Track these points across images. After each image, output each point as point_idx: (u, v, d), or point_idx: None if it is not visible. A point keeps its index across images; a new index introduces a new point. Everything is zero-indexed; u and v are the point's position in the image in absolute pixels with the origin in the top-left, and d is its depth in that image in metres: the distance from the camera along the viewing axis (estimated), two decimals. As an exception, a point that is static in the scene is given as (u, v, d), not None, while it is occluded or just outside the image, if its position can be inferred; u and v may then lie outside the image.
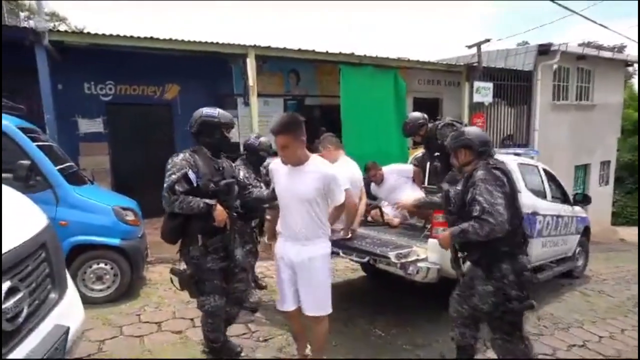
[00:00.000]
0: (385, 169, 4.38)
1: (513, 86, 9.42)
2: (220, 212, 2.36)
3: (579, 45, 11.32)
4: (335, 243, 3.27)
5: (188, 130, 2.50)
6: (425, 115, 3.91)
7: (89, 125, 6.51)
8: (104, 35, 5.14)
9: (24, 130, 3.59)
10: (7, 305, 1.19)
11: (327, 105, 8.34)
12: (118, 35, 5.20)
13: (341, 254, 3.34)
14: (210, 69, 6.99)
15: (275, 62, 7.53)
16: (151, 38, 5.44)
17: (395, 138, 7.08)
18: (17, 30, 4.99)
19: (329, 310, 2.42)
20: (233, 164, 2.73)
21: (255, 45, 6.14)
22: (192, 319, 3.36)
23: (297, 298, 2.42)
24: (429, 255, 3.08)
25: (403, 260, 2.95)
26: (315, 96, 8.59)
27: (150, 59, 6.22)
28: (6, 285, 1.21)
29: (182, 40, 5.66)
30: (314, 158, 2.39)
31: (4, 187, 1.81)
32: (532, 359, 2.36)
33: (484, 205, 2.14)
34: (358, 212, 3.30)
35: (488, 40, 8.51)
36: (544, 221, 4.20)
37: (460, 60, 9.79)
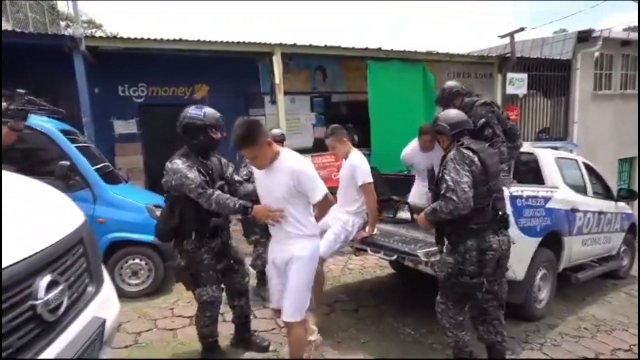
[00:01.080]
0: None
1: (549, 76, 8.99)
2: (260, 210, 2.24)
3: (624, 30, 10.63)
4: (363, 240, 3.30)
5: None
6: (464, 86, 3.69)
7: (123, 127, 6.78)
8: (135, 39, 5.33)
9: (63, 132, 3.78)
10: (48, 297, 1.24)
11: (354, 102, 8.27)
12: (149, 39, 5.37)
13: (369, 251, 3.31)
14: (237, 69, 7.10)
15: (301, 59, 7.55)
16: (180, 40, 5.59)
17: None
18: (56, 37, 5.24)
19: (299, 318, 2.24)
20: (223, 161, 2.68)
21: (281, 44, 6.18)
22: (222, 314, 3.42)
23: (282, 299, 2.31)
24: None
25: (432, 259, 2.88)
26: (342, 92, 8.54)
27: (180, 61, 6.40)
28: (47, 278, 1.27)
29: (210, 41, 5.77)
30: (284, 153, 2.21)
31: (45, 185, 1.91)
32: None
33: (449, 184, 2.23)
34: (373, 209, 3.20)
35: (522, 29, 8.13)
36: (584, 218, 3.98)
37: (492, 51, 9.44)
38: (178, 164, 2.37)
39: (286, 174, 2.13)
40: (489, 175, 2.31)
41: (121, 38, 5.44)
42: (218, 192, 2.37)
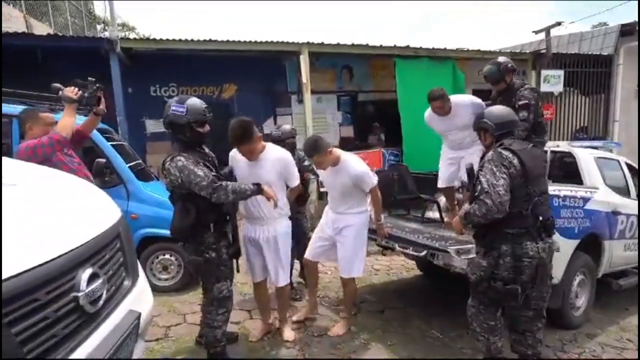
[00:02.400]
0: (457, 99, 3.44)
1: (588, 73, 8.57)
2: (269, 191, 2.46)
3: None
4: (391, 237, 3.26)
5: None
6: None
7: (155, 126, 6.98)
8: (167, 40, 5.48)
9: (100, 130, 3.92)
10: (89, 289, 1.28)
11: (381, 101, 8.20)
12: (179, 40, 5.51)
13: (397, 247, 3.26)
14: (265, 68, 7.18)
15: (328, 58, 7.55)
16: (210, 40, 5.70)
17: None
18: (94, 40, 5.46)
19: (283, 283, 2.86)
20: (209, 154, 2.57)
21: (308, 42, 6.19)
22: (249, 311, 3.47)
23: (264, 272, 2.82)
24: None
25: (464, 257, 2.79)
26: (369, 92, 8.49)
27: (209, 61, 6.53)
28: (88, 271, 1.31)
29: (238, 41, 5.86)
30: (269, 147, 2.67)
31: (86, 182, 1.99)
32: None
33: (484, 186, 2.15)
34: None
35: (559, 24, 7.79)
36: (626, 221, 3.77)
37: (525, 47, 9.11)
38: (182, 161, 2.26)
39: (275, 162, 2.61)
40: (529, 179, 2.20)
41: (154, 39, 5.62)
42: (230, 182, 2.37)
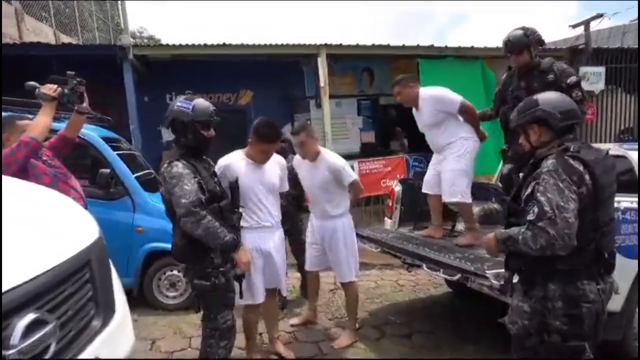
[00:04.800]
0: (423, 91, 3.08)
1: (633, 69, 7.87)
2: (244, 253, 2.23)
3: None
4: (417, 255, 2.92)
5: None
6: None
7: (170, 134, 6.82)
8: (180, 45, 5.33)
9: (107, 139, 3.75)
10: (26, 343, 1.00)
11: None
12: (193, 45, 5.35)
13: (425, 268, 2.89)
14: (282, 73, 6.95)
15: (347, 61, 7.26)
16: (224, 45, 5.52)
17: (491, 137, 6.29)
18: (106, 48, 5.38)
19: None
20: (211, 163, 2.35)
21: (326, 44, 5.91)
22: (260, 334, 3.16)
23: (265, 287, 2.62)
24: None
25: (505, 282, 2.39)
26: (390, 95, 8.05)
27: (225, 67, 6.36)
28: (28, 318, 1.03)
29: (253, 45, 5.66)
30: None
31: (58, 196, 1.73)
32: None
33: (546, 209, 1.56)
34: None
35: (600, 16, 7.16)
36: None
37: (561, 43, 8.50)
38: (179, 167, 2.00)
39: (276, 165, 2.62)
40: (599, 201, 1.62)
41: (167, 45, 5.49)
42: (209, 217, 2.00)
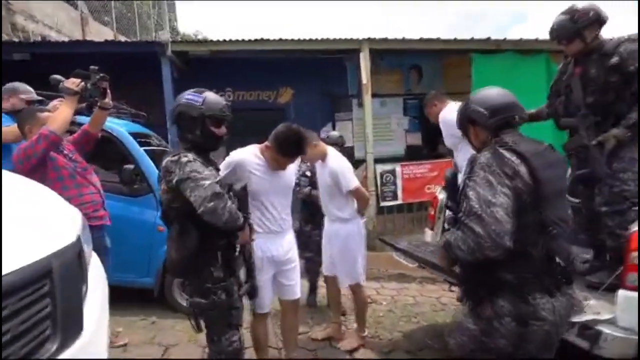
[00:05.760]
0: (443, 112, 3.15)
1: None
2: (246, 232, 1.99)
3: None
4: (443, 271, 2.46)
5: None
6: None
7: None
8: (218, 41, 5.24)
9: (136, 135, 3.69)
10: None
11: (455, 104, 7.21)
12: (231, 40, 5.23)
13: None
14: (324, 70, 6.67)
15: (394, 57, 6.82)
16: (263, 40, 5.34)
17: (551, 138, 5.59)
18: (145, 44, 5.41)
19: None
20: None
21: (369, 39, 5.54)
22: (279, 349, 2.89)
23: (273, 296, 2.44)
24: (618, 316, 1.96)
25: (574, 320, 1.91)
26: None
27: (265, 64, 6.20)
28: None
29: (292, 40, 5.43)
30: None
31: (38, 188, 1.56)
32: None
33: (473, 205, 1.40)
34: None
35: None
36: None
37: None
38: (189, 157, 1.80)
39: (293, 168, 2.43)
40: (544, 198, 1.42)
41: (206, 41, 5.43)
42: (229, 204, 1.81)
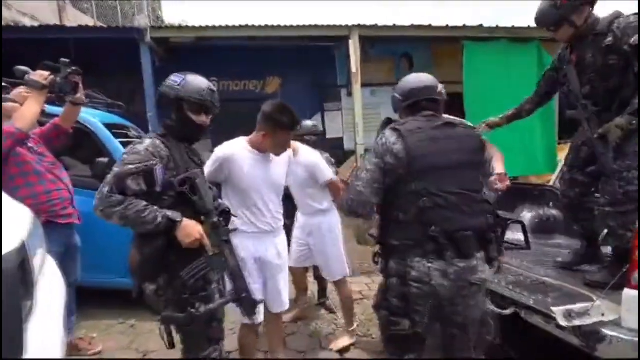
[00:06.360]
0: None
1: None
2: (188, 228, 1.58)
3: None
4: None
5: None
6: None
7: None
8: (201, 27, 4.98)
9: (111, 126, 3.46)
10: None
11: (447, 94, 7.07)
12: (214, 26, 4.98)
13: None
14: (312, 59, 6.46)
15: (384, 45, 6.62)
16: (246, 26, 5.10)
17: (541, 131, 5.49)
18: (123, 30, 5.13)
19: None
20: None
21: (359, 25, 5.33)
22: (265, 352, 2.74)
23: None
24: (624, 317, 1.84)
25: (578, 323, 1.79)
26: (431, 83, 7.38)
27: (251, 53, 5.97)
28: None
29: (281, 26, 5.19)
30: None
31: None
32: None
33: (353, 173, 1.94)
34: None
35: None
36: None
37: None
38: (143, 145, 1.60)
39: (285, 159, 2.23)
40: (418, 171, 1.56)
41: (187, 27, 5.14)
42: (131, 199, 1.53)
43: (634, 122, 1.97)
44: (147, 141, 1.63)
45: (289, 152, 2.30)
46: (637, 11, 2.02)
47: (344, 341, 2.86)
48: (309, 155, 2.67)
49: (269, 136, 2.03)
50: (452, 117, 1.84)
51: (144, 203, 1.53)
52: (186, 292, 1.61)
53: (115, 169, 1.55)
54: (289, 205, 3.53)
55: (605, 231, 2.39)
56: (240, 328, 2.23)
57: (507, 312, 2.00)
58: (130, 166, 1.53)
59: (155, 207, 1.55)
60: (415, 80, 1.77)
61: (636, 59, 1.93)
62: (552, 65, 2.44)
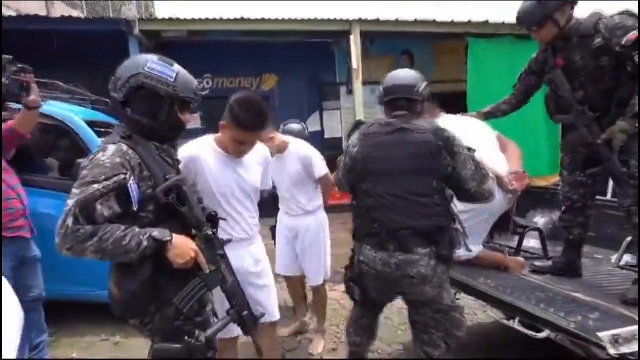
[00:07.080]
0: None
1: None
2: (180, 247, 1.30)
3: None
4: (474, 291, 2.19)
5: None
6: None
7: (195, 122, 6.31)
8: (193, 20, 4.70)
9: (95, 123, 3.20)
10: None
11: (448, 93, 6.85)
12: (207, 19, 4.71)
13: (492, 313, 2.12)
14: (310, 56, 6.24)
15: (384, 41, 6.42)
16: (241, 19, 4.84)
17: (545, 130, 5.34)
18: (110, 22, 4.85)
19: None
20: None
21: (360, 19, 5.10)
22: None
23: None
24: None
25: (626, 350, 1.56)
26: (433, 82, 7.15)
27: (247, 48, 5.72)
28: None
29: (277, 19, 4.94)
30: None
31: None
32: None
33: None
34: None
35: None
36: None
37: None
38: (106, 154, 1.26)
39: (260, 160, 2.01)
40: (368, 172, 1.78)
41: (178, 19, 4.85)
42: (106, 225, 1.21)
43: (637, 123, 1.93)
44: (111, 148, 1.29)
45: (265, 153, 2.07)
46: (620, 11, 2.00)
47: (320, 342, 2.85)
48: (303, 148, 2.61)
49: (228, 129, 1.78)
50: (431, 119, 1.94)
51: (122, 227, 1.24)
52: (180, 318, 1.35)
53: (76, 192, 1.20)
54: (275, 208, 3.33)
55: (629, 238, 2.33)
56: (219, 344, 2.00)
57: (542, 335, 1.77)
58: (96, 185, 1.20)
59: (137, 229, 1.26)
60: (395, 78, 1.86)
61: (629, 59, 1.89)
62: (527, 69, 2.40)
